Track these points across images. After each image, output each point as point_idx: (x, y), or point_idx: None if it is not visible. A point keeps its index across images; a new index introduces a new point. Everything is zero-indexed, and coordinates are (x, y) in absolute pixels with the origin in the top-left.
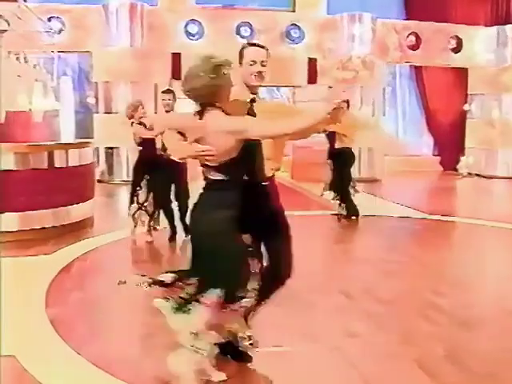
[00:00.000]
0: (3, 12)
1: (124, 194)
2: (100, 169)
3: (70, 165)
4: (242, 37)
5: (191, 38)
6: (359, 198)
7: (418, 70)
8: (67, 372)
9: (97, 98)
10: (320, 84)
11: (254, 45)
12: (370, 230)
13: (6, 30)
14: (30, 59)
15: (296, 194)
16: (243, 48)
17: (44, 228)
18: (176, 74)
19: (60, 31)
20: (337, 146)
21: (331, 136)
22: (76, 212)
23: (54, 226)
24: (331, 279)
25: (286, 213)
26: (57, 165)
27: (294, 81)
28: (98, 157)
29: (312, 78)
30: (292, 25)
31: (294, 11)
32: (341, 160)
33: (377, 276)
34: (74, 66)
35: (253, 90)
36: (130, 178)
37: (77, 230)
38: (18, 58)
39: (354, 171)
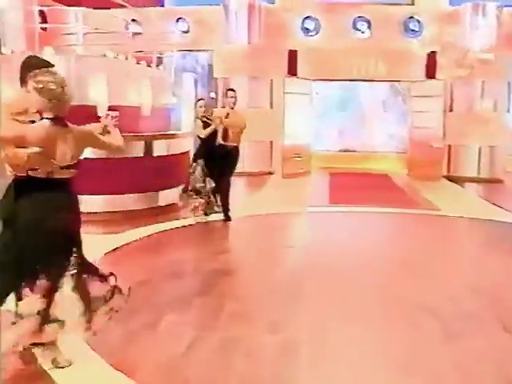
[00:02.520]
0: (137, 16)
1: (237, 184)
2: None
3: (163, 154)
4: (359, 30)
5: (308, 34)
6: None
7: None
8: None
9: (216, 93)
10: (439, 79)
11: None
12: None
13: (139, 33)
14: (131, 58)
15: (397, 191)
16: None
17: (134, 210)
18: (292, 70)
19: (186, 31)
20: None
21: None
22: (164, 197)
23: (143, 209)
24: None
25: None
26: (154, 153)
27: (411, 75)
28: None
29: (431, 73)
30: (410, 18)
31: (412, 4)
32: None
33: None
34: (198, 64)
35: None
36: (245, 170)
37: (162, 213)
38: (126, 58)
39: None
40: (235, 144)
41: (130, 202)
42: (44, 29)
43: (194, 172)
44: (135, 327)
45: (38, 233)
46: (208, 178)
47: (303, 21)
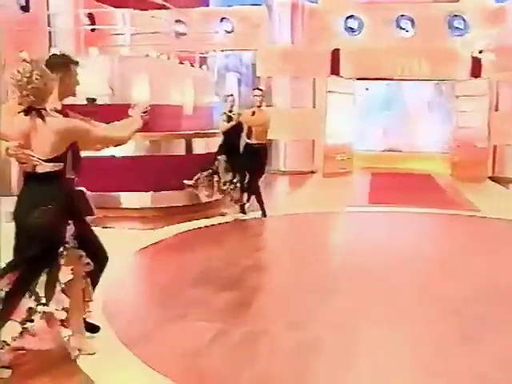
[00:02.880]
0: (182, 17)
1: (279, 183)
2: None
3: (203, 152)
4: (403, 29)
5: (351, 33)
6: None
7: None
8: None
9: None
10: (484, 78)
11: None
12: None
13: (184, 34)
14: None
15: (439, 191)
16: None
17: (173, 206)
18: (335, 69)
19: (229, 31)
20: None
21: None
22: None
23: (184, 205)
24: None
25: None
26: (195, 151)
27: (455, 74)
28: None
29: (476, 72)
30: (455, 15)
31: (457, 1)
32: None
33: None
34: (241, 63)
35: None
36: (287, 169)
37: (202, 210)
38: (168, 58)
39: None
40: (262, 142)
41: (170, 198)
42: (92, 30)
43: (217, 169)
44: (161, 319)
45: (17, 227)
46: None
47: (346, 20)
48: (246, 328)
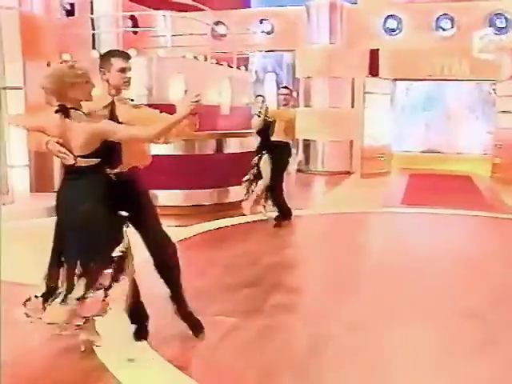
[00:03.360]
0: (222, 18)
1: (315, 183)
2: (298, 159)
3: (235, 151)
4: (443, 29)
5: (390, 33)
6: None
7: None
8: None
9: (298, 93)
10: None
11: (122, 55)
12: None
13: (225, 35)
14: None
15: (475, 193)
16: (110, 56)
17: (203, 205)
18: (373, 69)
19: (269, 32)
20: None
21: None
22: (233, 193)
23: (213, 204)
24: None
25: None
26: (225, 151)
27: (497, 74)
28: (297, 148)
29: None
30: (497, 14)
31: None
32: None
33: None
34: (280, 64)
35: (117, 93)
36: (324, 169)
37: (230, 209)
38: (206, 59)
39: None
40: (283, 140)
41: (202, 196)
42: (135, 32)
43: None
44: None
45: (57, 217)
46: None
47: (385, 20)
48: (262, 322)
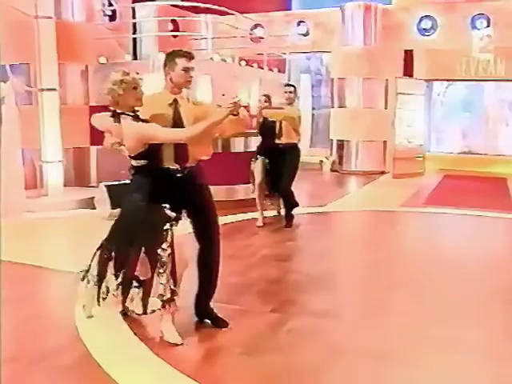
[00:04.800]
0: (261, 20)
1: (346, 182)
2: (332, 159)
3: (241, 150)
4: (478, 29)
5: (425, 33)
6: None
7: None
8: None
9: (332, 94)
10: None
11: (186, 55)
12: None
13: (263, 38)
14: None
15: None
16: (175, 56)
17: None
18: (408, 70)
19: (305, 34)
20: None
21: None
22: (241, 191)
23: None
24: None
25: None
26: (232, 149)
27: None
28: (331, 148)
29: None
30: None
31: None
32: None
33: None
34: (316, 65)
35: (179, 92)
36: (358, 169)
37: (237, 207)
38: (233, 60)
39: None
40: (290, 142)
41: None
42: (175, 36)
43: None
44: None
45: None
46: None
47: (420, 20)
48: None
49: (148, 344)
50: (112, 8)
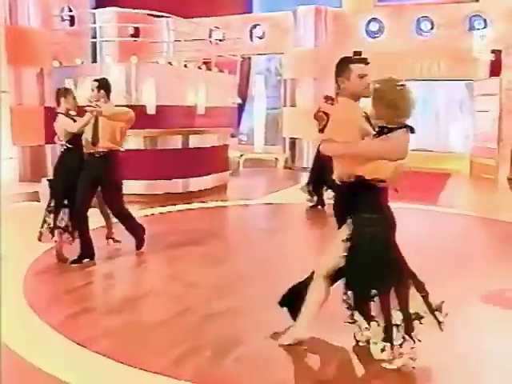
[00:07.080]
0: (218, 24)
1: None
2: (285, 156)
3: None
4: (422, 31)
5: (372, 36)
6: None
7: None
8: None
9: (285, 94)
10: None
11: (361, 61)
12: None
13: (221, 40)
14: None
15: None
16: (350, 63)
17: (168, 193)
18: None
19: (260, 37)
20: None
21: None
22: (197, 183)
23: (177, 193)
24: None
25: None
26: (190, 145)
27: (473, 74)
28: (284, 145)
29: (495, 71)
30: (475, 16)
31: (477, 1)
32: None
33: None
34: (269, 66)
35: (357, 100)
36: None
37: (193, 197)
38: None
39: None
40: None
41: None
42: (135, 40)
43: None
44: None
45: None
46: None
47: (368, 23)
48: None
49: None
50: (71, 13)
